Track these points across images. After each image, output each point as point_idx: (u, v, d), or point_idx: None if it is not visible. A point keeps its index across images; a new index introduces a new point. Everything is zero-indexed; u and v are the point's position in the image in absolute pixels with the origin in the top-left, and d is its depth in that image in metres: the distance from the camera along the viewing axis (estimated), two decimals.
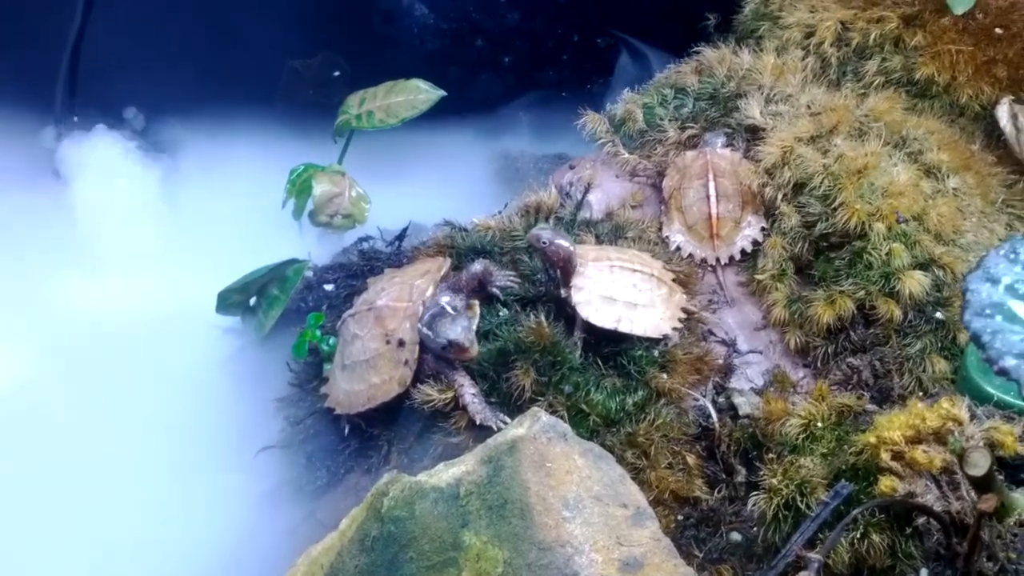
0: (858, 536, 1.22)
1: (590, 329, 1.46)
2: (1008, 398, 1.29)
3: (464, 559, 1.18)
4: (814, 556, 1.06)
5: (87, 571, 1.57)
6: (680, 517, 1.39)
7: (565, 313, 1.48)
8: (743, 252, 1.70)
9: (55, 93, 2.28)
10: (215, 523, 1.59)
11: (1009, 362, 0.80)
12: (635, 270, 1.51)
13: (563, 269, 1.46)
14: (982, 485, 1.07)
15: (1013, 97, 1.84)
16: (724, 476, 1.43)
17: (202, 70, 2.32)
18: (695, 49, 1.98)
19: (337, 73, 2.43)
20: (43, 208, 2.18)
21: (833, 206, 1.58)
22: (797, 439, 1.37)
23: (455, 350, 1.40)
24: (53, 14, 2.26)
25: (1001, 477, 1.18)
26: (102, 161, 2.24)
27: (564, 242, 1.44)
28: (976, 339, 0.83)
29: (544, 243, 1.43)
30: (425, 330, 1.43)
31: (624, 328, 1.45)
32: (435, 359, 1.45)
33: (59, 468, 1.69)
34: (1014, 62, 1.88)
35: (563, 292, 1.46)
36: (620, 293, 1.47)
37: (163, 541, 1.58)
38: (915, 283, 1.51)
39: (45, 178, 2.23)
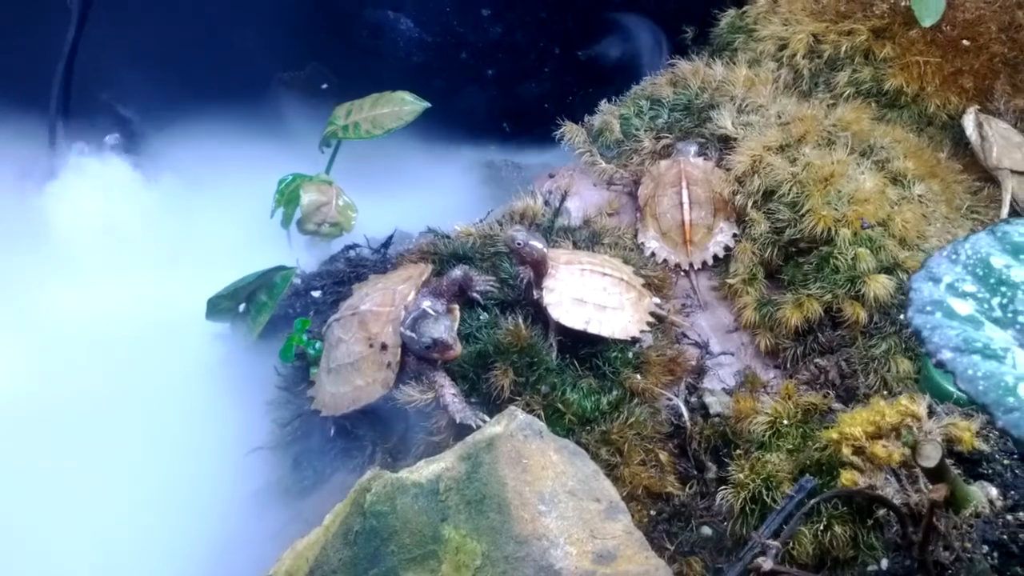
0: (821, 528, 1.27)
1: (561, 330, 1.50)
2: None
3: (444, 552, 1.22)
4: (772, 543, 1.10)
5: (80, 570, 1.59)
6: (653, 512, 1.43)
7: (542, 317, 1.52)
8: (715, 257, 1.75)
9: (48, 103, 2.31)
10: (204, 523, 1.62)
11: (946, 355, 0.85)
12: (605, 274, 1.55)
13: (536, 270, 1.50)
14: (935, 476, 1.12)
15: (979, 107, 1.90)
16: (695, 472, 1.48)
17: (193, 81, 2.35)
18: (670, 62, 2.04)
19: (325, 85, 2.47)
20: (35, 217, 2.21)
21: (801, 213, 1.64)
22: (764, 436, 1.42)
23: (440, 349, 1.44)
24: (48, 27, 2.29)
25: (959, 471, 1.24)
26: (93, 171, 2.26)
27: (538, 243, 1.48)
28: (917, 334, 0.88)
29: (519, 244, 1.47)
30: (408, 332, 1.48)
31: (593, 329, 1.50)
32: (417, 361, 1.49)
33: (50, 471, 1.72)
34: (980, 73, 1.94)
35: (535, 293, 1.51)
36: (590, 295, 1.51)
37: (153, 541, 1.61)
38: (880, 286, 1.56)
39: (37, 187, 2.25)
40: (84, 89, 2.36)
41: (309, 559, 1.28)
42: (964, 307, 0.90)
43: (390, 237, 2.05)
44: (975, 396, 0.81)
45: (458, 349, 1.45)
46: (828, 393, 1.50)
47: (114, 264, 2.13)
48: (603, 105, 2.00)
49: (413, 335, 1.46)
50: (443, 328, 1.45)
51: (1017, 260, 0.94)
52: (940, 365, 0.85)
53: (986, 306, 0.91)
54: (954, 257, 0.95)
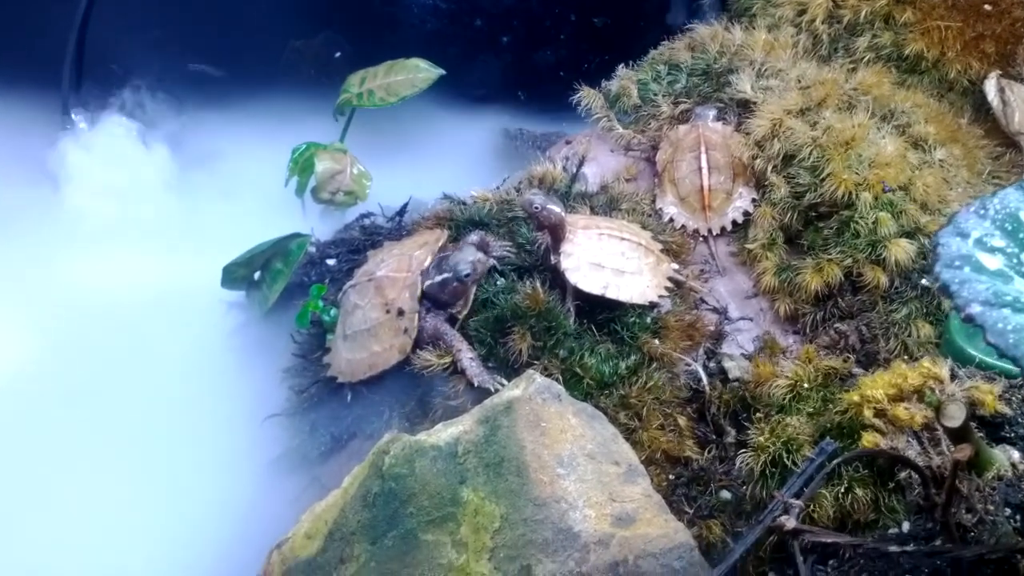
0: (842, 491, 1.26)
1: (579, 295, 1.49)
2: (990, 360, 1.33)
3: (462, 514, 1.23)
4: (795, 502, 1.10)
5: (99, 535, 1.60)
6: (672, 476, 1.43)
7: (560, 282, 1.52)
8: (734, 223, 1.74)
9: (61, 75, 2.30)
10: (223, 490, 1.63)
11: (975, 309, 0.84)
12: (623, 238, 1.54)
13: (553, 234, 1.49)
14: (958, 437, 1.11)
15: (1001, 72, 1.88)
16: (714, 437, 1.47)
17: (206, 50, 2.35)
18: (688, 26, 2.01)
19: (338, 53, 2.45)
20: (51, 188, 2.21)
21: (821, 177, 1.62)
22: (784, 399, 1.41)
23: (479, 267, 1.49)
24: None
25: (981, 434, 1.23)
26: (108, 141, 2.26)
27: (555, 207, 1.47)
28: (945, 289, 0.87)
29: (536, 208, 1.46)
30: (436, 279, 1.50)
31: (611, 294, 1.49)
32: (434, 326, 1.49)
33: (71, 440, 1.73)
34: (1002, 38, 1.92)
35: (553, 258, 1.50)
36: (608, 260, 1.50)
37: (173, 508, 1.62)
38: (901, 251, 1.54)
39: (50, 159, 2.26)
40: (96, 61, 2.35)
41: (328, 521, 1.28)
42: (993, 262, 0.89)
43: (405, 205, 2.03)
44: (1005, 350, 0.80)
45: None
46: (848, 358, 1.49)
47: (129, 234, 2.14)
48: (620, 70, 1.97)
49: (443, 276, 1.48)
50: (469, 253, 1.48)
51: None
52: (969, 319, 0.83)
53: (1015, 261, 0.90)
54: (982, 212, 0.94)
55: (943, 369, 1.28)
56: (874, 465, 1.26)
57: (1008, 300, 0.84)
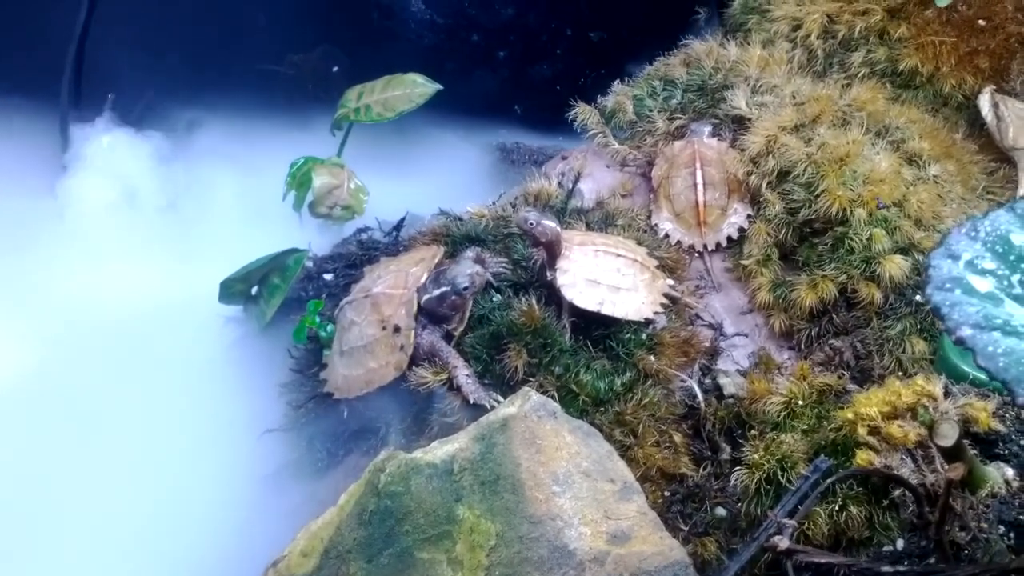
0: (837, 508, 1.27)
1: (575, 311, 1.50)
2: (984, 377, 1.34)
3: (458, 532, 1.23)
4: (788, 522, 1.10)
5: (96, 549, 1.60)
6: (667, 493, 1.43)
7: (556, 298, 1.52)
8: (729, 239, 1.74)
9: (60, 87, 2.31)
10: (220, 504, 1.63)
11: (966, 332, 0.84)
12: (619, 255, 1.54)
13: (549, 251, 1.50)
14: (952, 455, 1.11)
15: (995, 87, 1.88)
16: (709, 453, 1.48)
17: (204, 64, 2.36)
18: (684, 42, 2.02)
19: (336, 68, 2.47)
20: (48, 200, 2.22)
21: (816, 193, 1.62)
22: (779, 416, 1.41)
23: (477, 280, 1.48)
24: (59, 10, 2.29)
25: (975, 451, 1.23)
26: (106, 154, 2.26)
27: (550, 223, 1.48)
28: (936, 311, 0.87)
29: (531, 224, 1.47)
30: (434, 294, 1.49)
31: (607, 311, 1.49)
32: (430, 333, 1.50)
33: (68, 452, 1.73)
34: (996, 53, 1.92)
35: (549, 274, 1.50)
36: (604, 277, 1.51)
37: (169, 522, 1.62)
38: (895, 267, 1.55)
39: (50, 170, 2.26)
40: (95, 73, 2.36)
41: (324, 539, 1.28)
42: (984, 284, 0.90)
43: (402, 220, 2.04)
44: (995, 373, 0.81)
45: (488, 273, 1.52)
46: (843, 374, 1.49)
47: (126, 248, 2.15)
48: (616, 86, 1.98)
49: (441, 290, 1.49)
50: (466, 266, 1.48)
51: None
52: (960, 342, 0.84)
53: (1006, 283, 0.91)
54: (973, 234, 0.95)
55: (937, 386, 1.29)
56: (868, 483, 1.26)
57: (998, 323, 0.84)
